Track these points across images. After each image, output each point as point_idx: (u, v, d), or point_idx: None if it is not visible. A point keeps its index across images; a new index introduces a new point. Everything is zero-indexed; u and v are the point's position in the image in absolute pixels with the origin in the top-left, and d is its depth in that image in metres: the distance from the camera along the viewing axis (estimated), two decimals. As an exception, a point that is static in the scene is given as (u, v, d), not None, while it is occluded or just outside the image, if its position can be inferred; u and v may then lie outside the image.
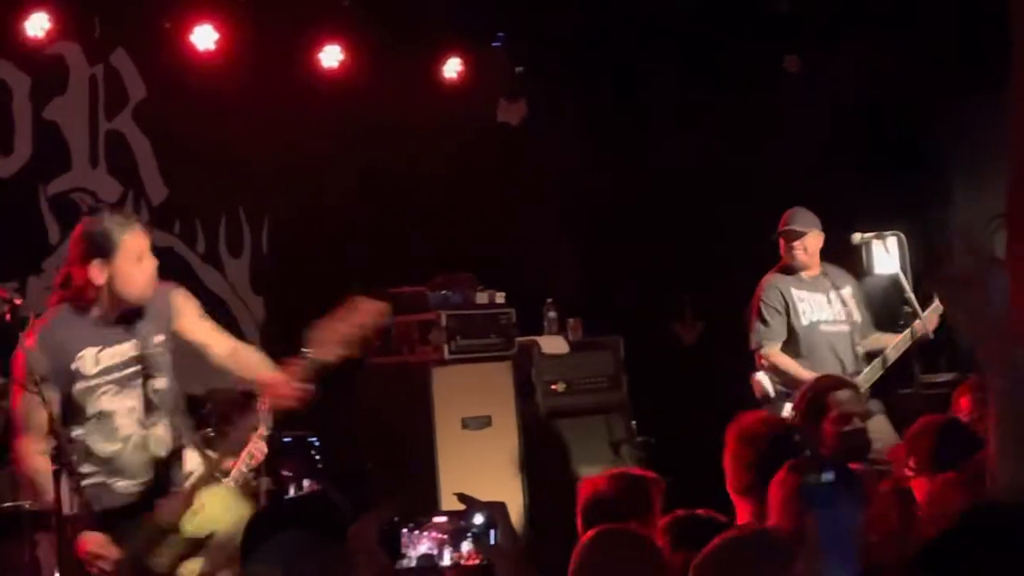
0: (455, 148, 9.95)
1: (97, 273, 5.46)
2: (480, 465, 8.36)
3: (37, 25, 8.30)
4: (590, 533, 3.78)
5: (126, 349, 5.58)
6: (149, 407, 5.63)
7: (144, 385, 5.62)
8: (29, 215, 8.67)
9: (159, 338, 5.64)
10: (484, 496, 3.58)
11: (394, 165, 9.77)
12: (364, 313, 5.83)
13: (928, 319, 7.87)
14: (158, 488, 5.57)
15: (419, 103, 9.76)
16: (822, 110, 10.04)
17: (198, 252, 9.48)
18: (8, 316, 5.31)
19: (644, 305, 10.29)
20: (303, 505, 3.96)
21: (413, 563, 3.29)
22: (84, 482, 5.35)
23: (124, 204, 9.07)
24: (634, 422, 9.45)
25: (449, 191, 9.91)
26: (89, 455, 5.51)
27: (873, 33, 9.71)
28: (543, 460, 8.91)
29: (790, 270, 8.17)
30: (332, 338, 5.79)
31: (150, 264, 5.57)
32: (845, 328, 8.10)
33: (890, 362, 8.01)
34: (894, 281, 8.11)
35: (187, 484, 5.62)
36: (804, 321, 8.05)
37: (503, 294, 8.92)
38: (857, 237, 8.21)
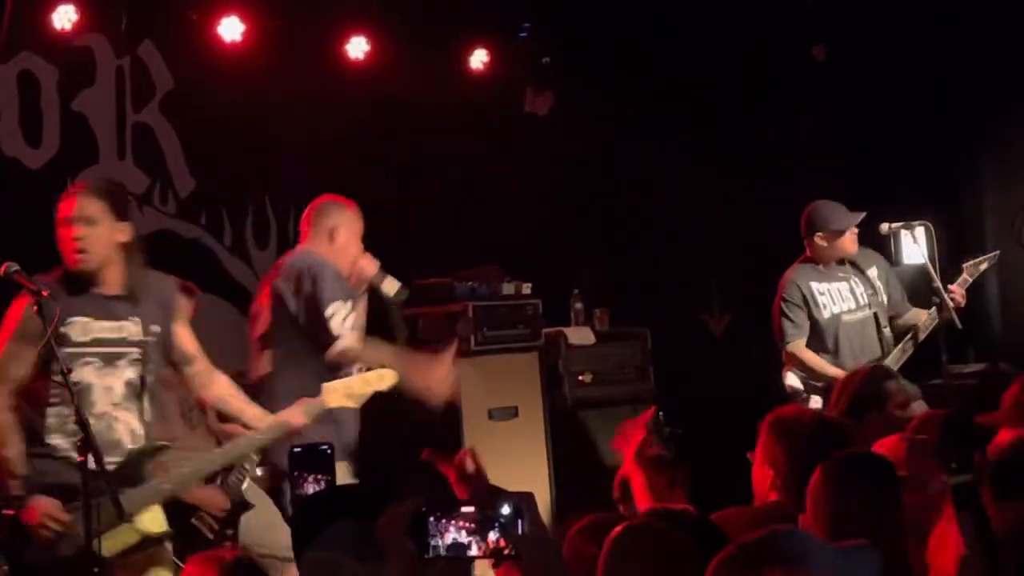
0: (482, 139, 9.95)
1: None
2: (507, 456, 8.36)
3: (64, 17, 8.31)
4: (620, 527, 3.78)
5: (123, 327, 5.63)
6: (128, 391, 5.65)
7: (129, 368, 5.65)
8: (58, 206, 8.67)
9: (155, 328, 5.69)
10: (511, 487, 3.58)
11: (420, 156, 9.78)
12: (387, 381, 5.98)
13: (955, 292, 7.87)
14: (123, 476, 5.53)
15: (445, 94, 9.76)
16: (850, 99, 10.02)
17: (225, 244, 9.49)
18: (36, 308, 5.33)
19: (671, 296, 10.27)
20: (350, 494, 3.99)
21: (441, 553, 3.28)
22: (57, 454, 5.44)
23: (152, 195, 9.11)
24: (661, 413, 9.44)
25: (476, 182, 9.91)
26: (62, 427, 5.51)
27: (901, 21, 9.67)
28: (570, 451, 8.91)
29: (813, 261, 8.13)
30: (346, 392, 5.96)
31: (65, 232, 5.70)
32: (868, 312, 8.05)
33: (915, 344, 7.97)
34: (922, 271, 8.07)
35: (165, 484, 5.65)
36: (826, 314, 8.01)
37: (530, 285, 8.92)
38: (885, 227, 8.17)
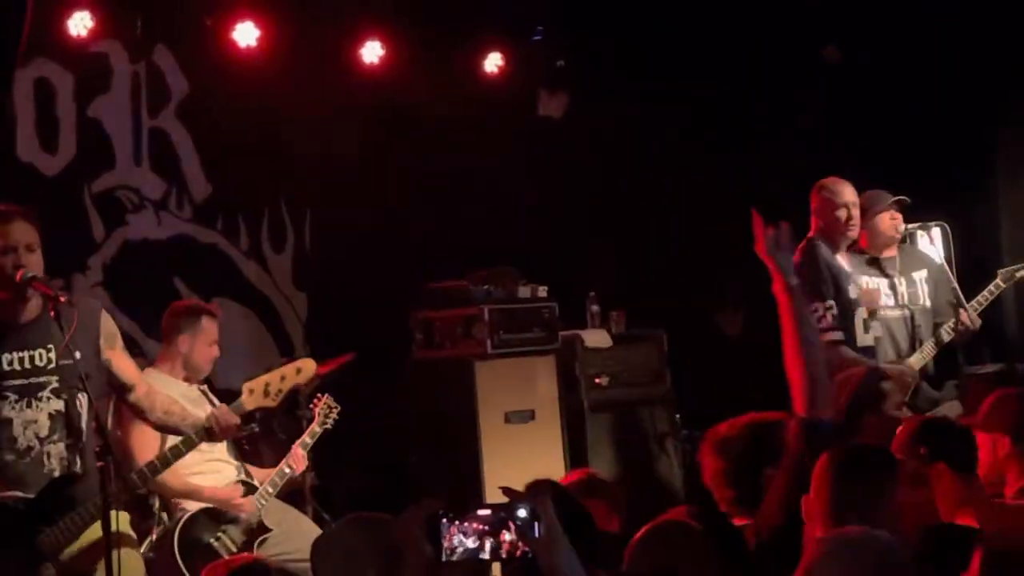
0: (496, 142, 9.95)
1: None
2: (523, 459, 8.35)
3: (80, 24, 8.33)
4: (647, 527, 3.81)
5: (37, 356, 5.40)
6: (54, 424, 5.40)
7: (52, 399, 5.41)
8: (74, 213, 8.72)
9: (78, 354, 5.34)
10: (528, 492, 3.59)
11: (435, 160, 9.78)
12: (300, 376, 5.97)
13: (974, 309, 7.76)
14: (48, 509, 5.33)
15: (460, 98, 9.77)
16: (863, 99, 10.01)
17: (241, 248, 9.51)
18: (52, 312, 5.31)
19: (687, 296, 10.25)
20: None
21: (458, 556, 3.29)
22: None
23: (168, 200, 9.14)
24: (678, 415, 9.44)
25: (491, 185, 9.92)
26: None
27: (913, 21, 9.66)
28: (587, 454, 8.90)
29: (862, 251, 7.99)
30: (264, 390, 5.87)
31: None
32: (907, 312, 7.90)
33: (936, 349, 7.86)
34: (939, 271, 8.02)
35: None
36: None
37: (546, 288, 8.92)
38: (902, 228, 8.12)
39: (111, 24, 8.56)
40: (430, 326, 8.68)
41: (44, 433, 5.38)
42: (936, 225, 8.07)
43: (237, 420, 5.74)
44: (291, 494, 7.95)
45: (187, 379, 7.04)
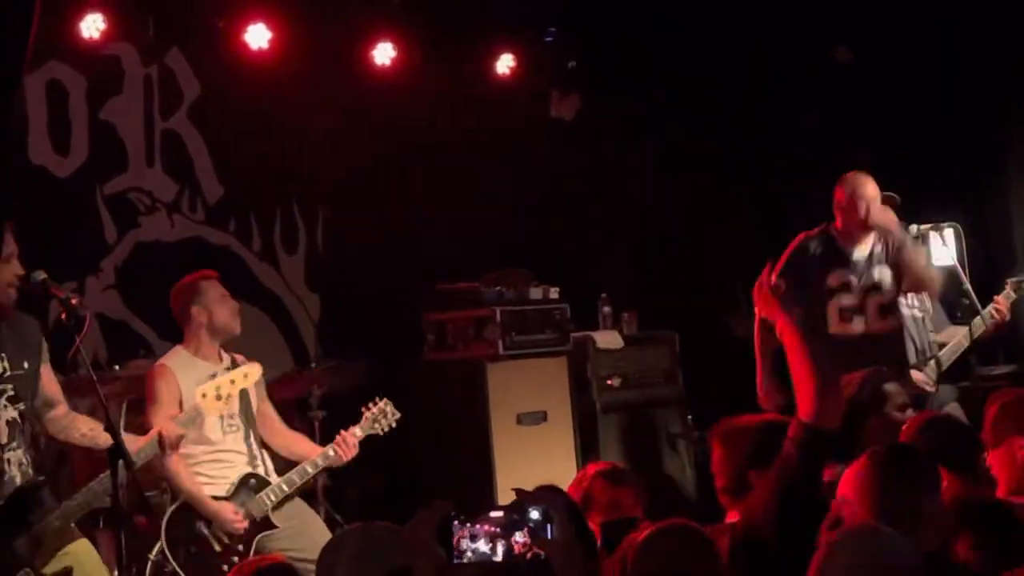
0: (509, 144, 9.95)
1: None
2: (535, 461, 8.36)
3: (92, 26, 8.34)
4: (650, 528, 3.80)
5: None
6: (13, 431, 5.40)
7: (8, 407, 5.40)
8: (86, 215, 8.73)
9: (26, 364, 5.41)
10: (539, 493, 3.59)
11: (447, 161, 9.79)
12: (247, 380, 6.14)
13: (996, 310, 7.72)
14: (21, 514, 5.33)
15: (471, 99, 9.78)
16: (874, 99, 9.98)
17: (253, 250, 9.52)
18: (64, 315, 5.31)
19: (699, 297, 10.24)
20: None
21: (468, 558, 3.29)
22: None
23: (180, 202, 9.15)
24: (690, 416, 9.43)
25: (502, 186, 9.92)
26: None
27: (921, 20, 9.64)
28: (599, 455, 8.89)
29: None
30: (217, 394, 5.99)
31: None
32: (918, 314, 7.91)
33: (947, 363, 7.83)
34: (951, 273, 8.00)
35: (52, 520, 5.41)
36: None
37: (557, 289, 8.92)
38: (914, 229, 8.08)
39: (123, 27, 8.57)
40: (442, 327, 8.68)
41: (3, 440, 5.37)
42: (948, 226, 8.06)
43: (181, 431, 5.86)
44: (303, 496, 7.95)
45: (218, 352, 6.95)
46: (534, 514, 3.33)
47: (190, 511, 6.62)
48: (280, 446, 7.01)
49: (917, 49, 9.75)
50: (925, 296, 7.85)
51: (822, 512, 4.12)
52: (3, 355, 5.40)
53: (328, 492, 8.10)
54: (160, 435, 5.78)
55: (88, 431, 5.64)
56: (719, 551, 3.87)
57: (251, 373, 6.22)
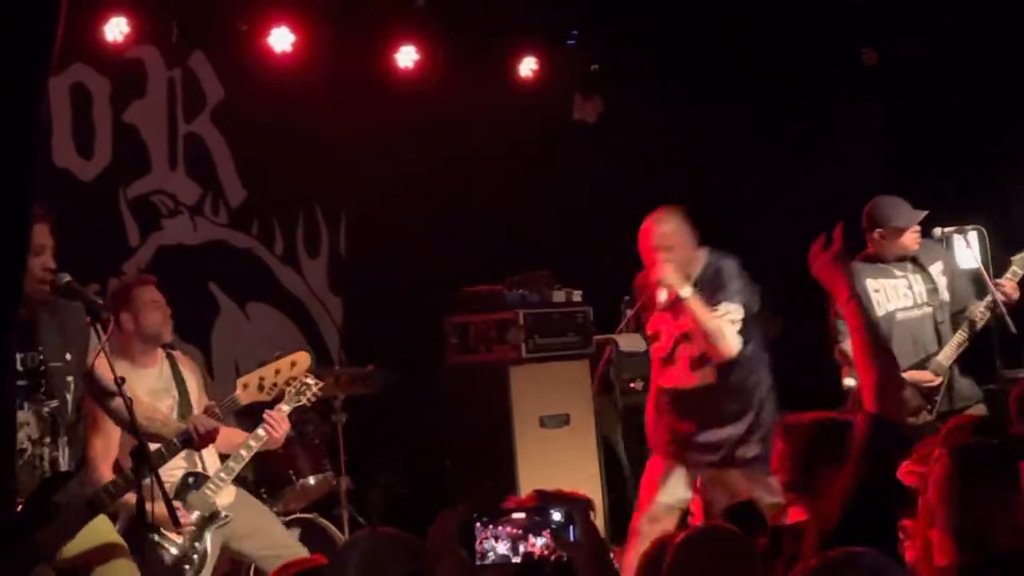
0: (531, 146, 9.95)
1: None
2: (558, 463, 8.35)
3: (116, 29, 8.38)
4: (684, 532, 3.79)
5: (29, 359, 5.28)
6: (45, 426, 5.31)
7: (44, 401, 5.30)
8: (110, 217, 8.76)
9: (68, 355, 5.31)
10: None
11: (470, 164, 9.79)
12: (300, 367, 6.02)
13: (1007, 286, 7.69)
14: (44, 508, 5.23)
15: (494, 102, 9.78)
16: (901, 102, 9.95)
17: (276, 253, 9.54)
18: (88, 319, 5.29)
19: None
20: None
21: (490, 560, 3.28)
22: None
23: (203, 205, 9.17)
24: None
25: (526, 189, 9.92)
26: None
27: (951, 22, 9.61)
28: (620, 458, 8.89)
29: (872, 258, 7.99)
30: (259, 384, 5.89)
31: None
32: (928, 310, 7.88)
33: (969, 337, 7.78)
34: (976, 275, 7.97)
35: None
36: (880, 311, 7.85)
37: (580, 292, 8.91)
38: (938, 231, 8.05)
39: (147, 30, 8.60)
40: (465, 330, 8.67)
41: (36, 435, 5.32)
42: (972, 229, 8.02)
43: (216, 425, 5.68)
44: (326, 499, 7.95)
45: (149, 358, 6.75)
46: (556, 516, 3.32)
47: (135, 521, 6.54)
48: (218, 444, 6.92)
49: (943, 48, 9.71)
50: (941, 285, 7.81)
51: (901, 505, 4.05)
52: (41, 348, 5.29)
53: (351, 495, 8.11)
54: (193, 423, 5.67)
55: (144, 420, 5.48)
56: (755, 554, 3.85)
57: (299, 362, 6.12)
